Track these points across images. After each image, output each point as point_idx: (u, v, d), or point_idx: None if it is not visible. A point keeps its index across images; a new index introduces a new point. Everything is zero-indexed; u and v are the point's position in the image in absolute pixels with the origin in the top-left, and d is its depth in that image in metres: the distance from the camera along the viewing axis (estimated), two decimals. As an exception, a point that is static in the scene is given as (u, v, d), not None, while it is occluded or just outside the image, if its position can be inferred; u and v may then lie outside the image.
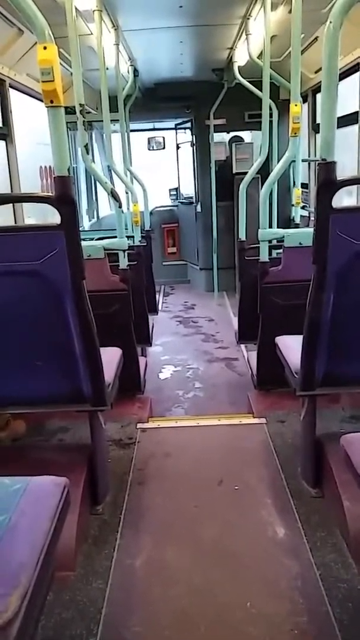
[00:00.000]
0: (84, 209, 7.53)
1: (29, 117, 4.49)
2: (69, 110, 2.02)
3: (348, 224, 1.92)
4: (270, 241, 3.36)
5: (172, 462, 2.76)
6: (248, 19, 4.08)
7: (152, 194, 5.89)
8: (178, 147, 8.36)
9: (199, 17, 4.08)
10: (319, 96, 5.41)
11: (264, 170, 4.46)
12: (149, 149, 8.02)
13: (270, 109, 4.03)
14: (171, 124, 8.17)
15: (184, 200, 8.36)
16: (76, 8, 3.07)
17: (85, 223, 7.43)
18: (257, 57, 4.43)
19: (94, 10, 3.31)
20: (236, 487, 2.50)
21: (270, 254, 3.37)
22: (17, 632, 1.03)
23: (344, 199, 4.45)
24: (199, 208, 7.59)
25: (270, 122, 4.12)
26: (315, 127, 5.59)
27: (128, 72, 5.29)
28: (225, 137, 7.63)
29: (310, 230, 2.05)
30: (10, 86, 3.87)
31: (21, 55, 3.80)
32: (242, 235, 3.91)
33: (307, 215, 5.63)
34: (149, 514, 2.34)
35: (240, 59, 5.01)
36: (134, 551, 2.11)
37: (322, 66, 1.78)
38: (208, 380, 4.43)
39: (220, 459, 2.76)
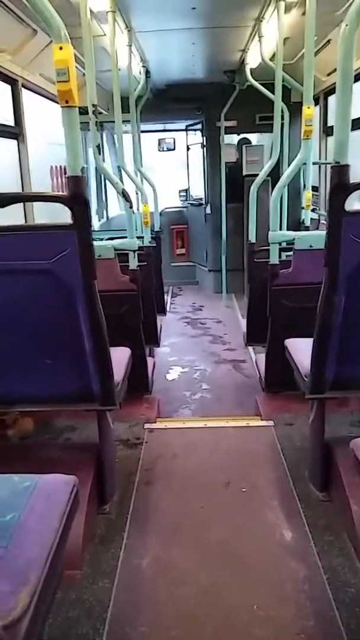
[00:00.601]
0: (93, 209, 7.56)
1: (41, 116, 4.51)
2: (81, 111, 2.02)
3: None
4: (280, 244, 3.35)
5: (180, 463, 2.76)
6: (261, 21, 4.08)
7: (162, 195, 5.89)
8: (188, 149, 8.37)
9: (211, 19, 4.09)
10: (330, 99, 5.39)
11: (274, 173, 4.46)
12: (159, 150, 8.03)
13: (282, 111, 4.03)
14: (182, 125, 8.18)
15: (193, 202, 8.36)
16: (90, 9, 3.09)
17: (95, 223, 7.45)
18: (270, 60, 4.42)
19: (107, 12, 3.32)
20: (243, 490, 2.49)
21: (279, 256, 3.37)
22: (26, 629, 1.04)
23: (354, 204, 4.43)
24: (208, 209, 7.59)
25: (282, 124, 4.11)
26: (326, 130, 5.57)
27: (140, 73, 5.30)
28: (235, 139, 7.63)
29: (321, 233, 2.04)
30: (23, 86, 3.89)
31: (34, 55, 3.82)
32: (252, 238, 3.90)
33: (317, 218, 5.61)
34: (156, 514, 2.34)
35: (253, 61, 5.01)
36: (141, 551, 2.11)
37: (337, 68, 1.78)
38: (215, 381, 4.43)
39: (228, 461, 2.76)
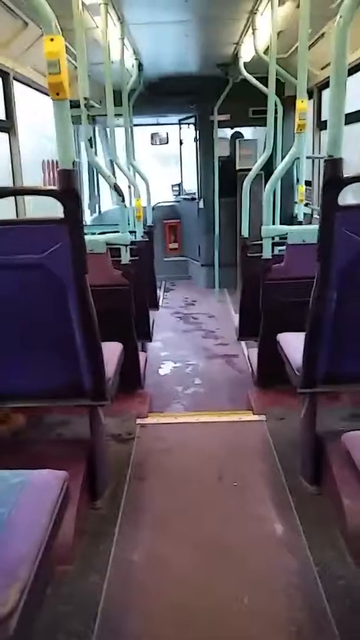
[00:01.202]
0: (86, 203, 7.52)
1: (33, 110, 4.47)
2: (73, 104, 2.01)
3: (354, 222, 1.92)
4: (273, 238, 3.35)
5: (171, 458, 2.76)
6: (255, 13, 4.05)
7: (154, 190, 5.87)
8: (181, 143, 8.33)
9: (204, 11, 4.06)
10: (324, 93, 5.38)
11: (267, 167, 4.45)
12: (152, 144, 7.99)
13: (275, 105, 4.02)
14: (175, 119, 8.14)
15: (186, 196, 8.33)
16: (82, 1, 3.06)
17: (87, 217, 7.41)
18: (263, 53, 4.40)
19: (99, 4, 3.29)
20: (235, 484, 2.50)
21: (272, 251, 3.36)
22: (16, 625, 1.03)
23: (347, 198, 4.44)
24: (201, 204, 7.57)
25: (275, 118, 4.10)
26: (320, 124, 5.56)
27: (133, 66, 5.26)
28: (229, 133, 7.61)
29: (314, 227, 2.04)
30: (15, 79, 3.85)
31: (26, 48, 3.78)
32: (245, 232, 3.90)
33: (310, 212, 5.61)
34: (148, 509, 2.35)
35: (246, 54, 4.99)
36: (132, 546, 2.11)
37: (331, 62, 1.77)
38: (208, 376, 4.43)
39: (220, 456, 2.76)
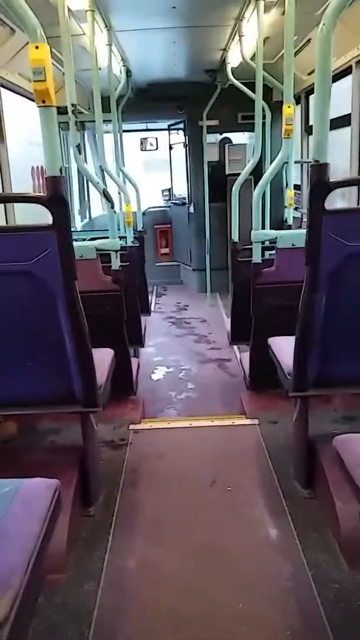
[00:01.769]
0: (76, 209, 7.51)
1: (22, 116, 4.46)
2: (61, 110, 2.01)
3: (340, 226, 1.93)
4: (263, 242, 3.36)
5: (165, 463, 2.75)
6: (241, 20, 4.09)
7: (144, 196, 5.89)
8: (171, 148, 8.36)
9: (192, 18, 4.08)
10: (312, 98, 5.43)
11: (257, 172, 4.47)
12: (141, 150, 8.01)
13: (263, 110, 4.05)
14: (164, 124, 8.17)
15: (176, 201, 8.35)
16: (68, 8, 3.06)
17: (78, 223, 7.41)
18: (250, 59, 4.43)
19: (86, 11, 3.30)
20: (229, 488, 2.49)
21: (263, 255, 3.37)
22: (8, 635, 1.03)
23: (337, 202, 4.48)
24: (191, 209, 7.59)
25: (263, 123, 4.13)
26: (307, 129, 5.60)
27: (121, 72, 5.28)
28: (219, 138, 7.64)
29: (303, 231, 2.06)
30: (2, 86, 3.84)
31: (13, 54, 3.78)
32: (235, 237, 3.91)
33: (300, 216, 5.64)
34: (141, 515, 2.34)
35: (234, 60, 5.02)
36: (126, 553, 2.10)
37: (315, 68, 1.79)
38: (201, 381, 4.43)
39: (213, 460, 2.76)
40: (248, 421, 3.15)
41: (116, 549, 2.12)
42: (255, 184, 3.39)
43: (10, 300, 1.95)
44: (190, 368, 4.76)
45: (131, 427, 3.10)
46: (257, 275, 3.26)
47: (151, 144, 7.93)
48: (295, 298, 2.08)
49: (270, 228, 5.72)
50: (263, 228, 4.97)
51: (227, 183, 6.73)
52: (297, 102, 5.44)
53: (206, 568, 2.01)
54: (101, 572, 1.99)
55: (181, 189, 8.24)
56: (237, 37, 4.41)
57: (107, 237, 3.29)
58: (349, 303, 2.06)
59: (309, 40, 4.40)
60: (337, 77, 4.07)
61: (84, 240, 3.72)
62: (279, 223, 6.04)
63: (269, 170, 3.19)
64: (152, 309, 6.66)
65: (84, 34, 3.86)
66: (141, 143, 7.94)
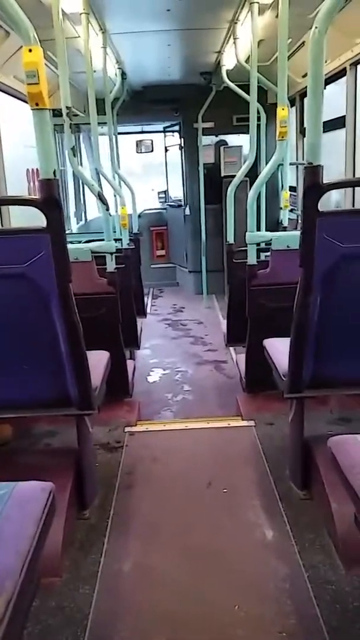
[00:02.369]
0: (72, 212, 7.51)
1: (16, 118, 4.46)
2: (56, 113, 2.01)
3: (334, 227, 1.94)
4: (258, 244, 3.37)
5: (161, 466, 2.75)
6: (236, 23, 4.10)
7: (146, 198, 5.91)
8: (166, 150, 8.37)
9: (186, 20, 4.09)
10: (306, 100, 5.44)
11: (253, 174, 4.48)
12: (137, 152, 8.02)
13: (258, 112, 4.05)
14: (160, 127, 8.18)
15: (172, 203, 8.36)
16: (63, 11, 3.07)
17: (73, 226, 7.41)
18: (245, 61, 4.44)
19: (80, 13, 3.30)
20: (225, 490, 2.49)
21: (258, 256, 3.38)
22: (1, 638, 1.02)
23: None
24: (187, 211, 7.60)
25: (258, 125, 4.14)
26: (302, 131, 5.62)
27: (116, 74, 5.28)
28: (214, 140, 7.65)
29: (298, 233, 2.06)
30: None
31: (7, 57, 3.78)
32: (231, 239, 3.92)
33: (296, 218, 5.66)
34: (137, 517, 2.33)
35: (228, 62, 5.03)
36: (122, 556, 2.09)
37: (308, 71, 1.80)
38: (197, 383, 4.43)
39: (209, 462, 2.76)
40: (244, 423, 3.15)
41: (111, 551, 2.11)
42: (251, 186, 3.40)
43: (4, 303, 1.94)
44: (186, 370, 4.76)
45: (127, 429, 3.10)
46: (253, 276, 3.26)
47: (146, 146, 7.94)
48: (290, 299, 2.09)
49: (266, 230, 5.73)
50: (258, 230, 4.97)
51: (223, 185, 6.74)
52: (292, 104, 5.46)
53: (202, 570, 2.01)
54: (96, 575, 1.98)
55: (177, 191, 8.24)
56: (231, 40, 4.42)
57: (103, 240, 3.29)
58: (343, 304, 2.07)
59: (303, 43, 4.41)
60: (331, 79, 4.09)
61: (80, 242, 3.72)
62: (274, 225, 6.06)
63: (264, 172, 3.20)
64: (148, 310, 6.66)
65: (79, 36, 3.87)
66: (137, 145, 7.95)
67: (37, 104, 1.70)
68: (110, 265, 3.24)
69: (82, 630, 1.74)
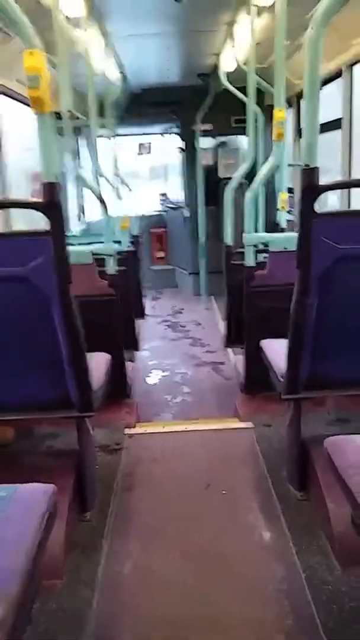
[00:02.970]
0: (73, 214, 7.52)
1: (19, 121, 4.47)
2: (58, 116, 2.03)
3: (331, 229, 1.95)
4: (256, 245, 3.39)
5: (160, 468, 2.76)
6: (233, 25, 4.12)
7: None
8: (166, 153, 8.39)
9: (185, 23, 4.12)
10: (303, 102, 5.45)
11: (251, 175, 4.50)
12: (139, 154, 8.04)
13: (256, 114, 4.07)
14: (159, 129, 8.20)
15: (171, 205, 8.37)
16: (65, 14, 3.08)
17: (73, 228, 7.41)
18: (243, 63, 4.46)
19: (82, 17, 3.32)
20: (223, 492, 2.50)
21: (256, 258, 3.39)
22: None
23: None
24: (187, 213, 7.61)
25: (256, 127, 4.15)
26: (300, 132, 5.64)
27: (116, 78, 5.30)
28: (214, 142, 7.66)
29: (295, 234, 2.08)
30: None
31: (9, 60, 3.79)
32: (228, 240, 3.93)
33: (293, 219, 5.67)
34: (137, 519, 2.34)
35: (227, 64, 5.05)
36: (122, 558, 2.10)
37: (305, 73, 1.81)
38: (196, 384, 4.44)
39: (208, 464, 2.77)
40: (242, 424, 3.16)
41: (112, 554, 2.12)
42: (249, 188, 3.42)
43: (5, 306, 1.95)
44: (185, 371, 4.76)
45: (126, 431, 3.11)
46: (250, 278, 3.28)
47: (145, 149, 7.97)
48: (288, 301, 2.10)
49: (265, 231, 5.74)
50: (256, 231, 4.99)
51: (221, 187, 6.76)
52: (289, 105, 5.48)
53: (201, 572, 2.02)
54: (97, 578, 1.99)
55: (177, 194, 8.25)
56: (229, 42, 4.44)
57: (103, 242, 3.30)
58: (340, 305, 2.08)
59: (300, 45, 4.43)
60: (327, 81, 4.10)
61: (80, 244, 3.73)
62: (272, 226, 6.07)
63: (261, 173, 3.21)
64: (148, 312, 6.67)
65: (80, 39, 3.88)
66: (139, 147, 7.97)
67: (39, 107, 1.71)
68: (111, 267, 3.25)
69: (83, 632, 1.75)
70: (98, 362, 2.46)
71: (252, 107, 3.67)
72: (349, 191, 4.02)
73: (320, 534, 2.14)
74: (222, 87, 5.22)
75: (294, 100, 5.50)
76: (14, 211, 4.03)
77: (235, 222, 4.00)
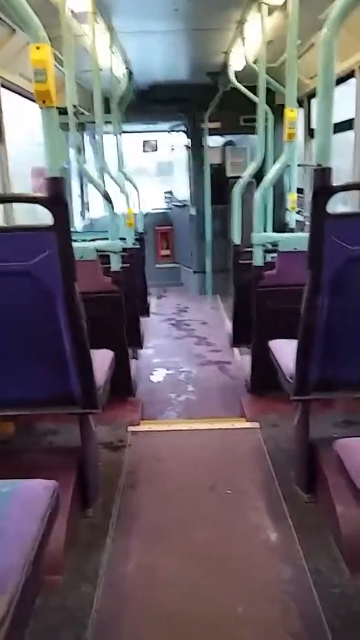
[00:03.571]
0: (77, 210, 7.51)
1: (22, 116, 4.47)
2: (62, 111, 2.01)
3: (343, 230, 1.93)
4: (264, 245, 3.36)
5: (164, 466, 2.74)
6: (244, 23, 4.09)
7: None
8: (172, 150, 8.37)
9: (194, 20, 4.09)
10: (314, 101, 5.43)
11: (259, 175, 4.47)
12: (144, 151, 8.03)
13: (266, 113, 4.05)
14: (166, 126, 8.18)
15: (178, 203, 8.35)
16: (71, 9, 3.07)
17: (77, 224, 7.41)
18: (253, 62, 4.43)
19: (88, 12, 3.30)
20: (228, 492, 2.48)
21: (264, 258, 3.37)
22: (4, 637, 1.02)
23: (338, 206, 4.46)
24: (193, 211, 7.59)
25: (266, 126, 4.13)
26: (310, 132, 5.61)
27: (123, 74, 5.28)
28: (220, 140, 7.64)
29: (305, 235, 2.05)
30: (2, 86, 3.84)
31: (14, 55, 3.78)
32: (236, 239, 3.91)
33: (302, 220, 5.64)
34: (140, 517, 2.32)
35: (236, 63, 5.02)
36: (124, 555, 2.09)
37: (318, 73, 1.79)
38: (201, 383, 4.41)
39: (213, 463, 2.75)
40: (248, 424, 3.13)
41: (114, 551, 2.10)
42: (257, 187, 3.39)
43: (9, 301, 1.94)
44: (190, 370, 4.74)
45: (130, 428, 3.09)
46: (259, 278, 3.25)
47: (151, 146, 7.95)
48: (297, 301, 2.08)
49: (273, 231, 5.72)
50: (265, 231, 4.96)
51: (228, 185, 6.74)
52: (300, 105, 5.44)
53: (205, 571, 2.00)
54: (99, 575, 1.97)
55: (183, 191, 8.24)
56: (239, 40, 4.41)
57: (108, 239, 3.29)
58: (351, 307, 2.05)
59: (312, 44, 4.40)
60: (339, 81, 4.07)
61: (85, 241, 3.72)
62: (281, 226, 6.04)
63: (271, 173, 3.19)
64: (153, 310, 6.66)
65: (86, 35, 3.87)
66: (144, 145, 7.96)
67: (44, 102, 1.70)
68: (115, 264, 3.23)
69: (84, 629, 1.74)
70: (102, 359, 2.45)
71: (262, 107, 3.65)
72: None
73: (328, 536, 2.11)
74: (231, 85, 5.20)
75: (304, 100, 5.47)
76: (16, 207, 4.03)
77: (242, 221, 3.97)
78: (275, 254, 3.32)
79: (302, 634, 1.70)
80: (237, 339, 4.00)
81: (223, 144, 7.54)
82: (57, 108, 1.76)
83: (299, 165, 5.53)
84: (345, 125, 4.10)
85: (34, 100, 1.75)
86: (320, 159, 1.85)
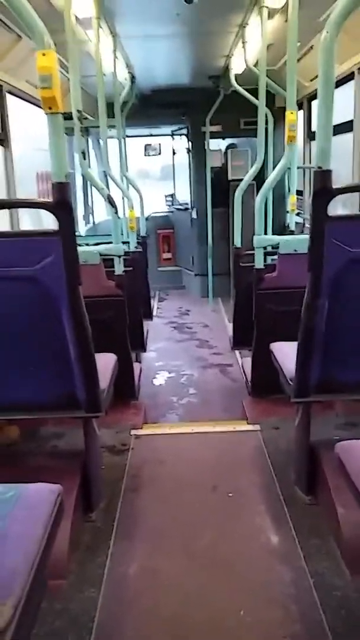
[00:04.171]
0: (80, 214, 7.54)
1: (28, 122, 4.49)
2: (66, 116, 2.03)
3: (343, 232, 1.94)
4: (265, 248, 3.37)
5: (166, 469, 2.75)
6: (244, 27, 4.11)
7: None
8: (174, 153, 8.39)
9: (196, 25, 4.11)
10: (314, 104, 5.45)
11: (260, 177, 4.49)
12: (145, 155, 8.05)
13: (266, 116, 4.07)
14: (168, 130, 8.20)
15: (179, 207, 8.37)
16: (75, 15, 3.09)
17: (81, 228, 7.43)
18: (254, 65, 4.45)
19: (92, 18, 3.33)
20: (230, 494, 2.49)
21: (265, 260, 3.38)
22: None
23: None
24: (194, 214, 7.60)
25: (266, 129, 4.15)
26: (310, 135, 5.62)
27: (125, 78, 5.31)
28: (222, 144, 7.66)
29: (305, 237, 2.06)
30: (8, 92, 3.87)
31: (19, 61, 3.80)
32: (237, 242, 3.92)
33: (302, 222, 5.65)
34: (143, 521, 2.33)
35: (237, 66, 5.05)
36: (127, 559, 2.09)
37: (318, 75, 1.80)
38: (202, 386, 4.43)
39: (214, 466, 2.75)
40: (250, 427, 3.14)
41: (117, 555, 2.11)
42: (258, 190, 3.41)
43: (14, 305, 1.95)
44: (192, 373, 4.75)
45: (133, 432, 3.10)
46: (260, 280, 3.26)
47: (154, 149, 7.97)
48: (297, 303, 2.09)
49: (273, 233, 5.73)
50: (265, 233, 4.98)
51: (230, 188, 6.75)
52: (300, 107, 5.46)
53: (207, 574, 2.01)
54: (102, 579, 1.98)
55: (185, 195, 8.26)
56: (240, 44, 4.43)
57: (111, 242, 3.30)
58: (352, 309, 2.06)
59: (311, 47, 4.42)
60: (338, 83, 4.09)
61: (88, 245, 3.73)
62: (281, 228, 6.05)
63: (272, 176, 3.20)
64: (155, 313, 6.67)
65: (90, 40, 3.89)
66: (145, 149, 7.98)
67: (50, 108, 1.71)
68: (119, 268, 3.25)
69: (88, 632, 1.74)
70: (105, 363, 2.46)
71: (262, 109, 3.67)
72: None
73: (328, 538, 2.12)
74: (232, 89, 5.21)
75: (304, 102, 5.49)
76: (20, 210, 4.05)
77: (242, 223, 3.99)
78: (275, 257, 3.33)
79: (303, 636, 1.71)
80: (238, 342, 4.01)
81: (226, 147, 7.56)
82: (62, 113, 1.78)
83: (298, 168, 5.55)
84: (344, 127, 4.11)
85: (39, 106, 1.77)
86: (320, 161, 1.86)
